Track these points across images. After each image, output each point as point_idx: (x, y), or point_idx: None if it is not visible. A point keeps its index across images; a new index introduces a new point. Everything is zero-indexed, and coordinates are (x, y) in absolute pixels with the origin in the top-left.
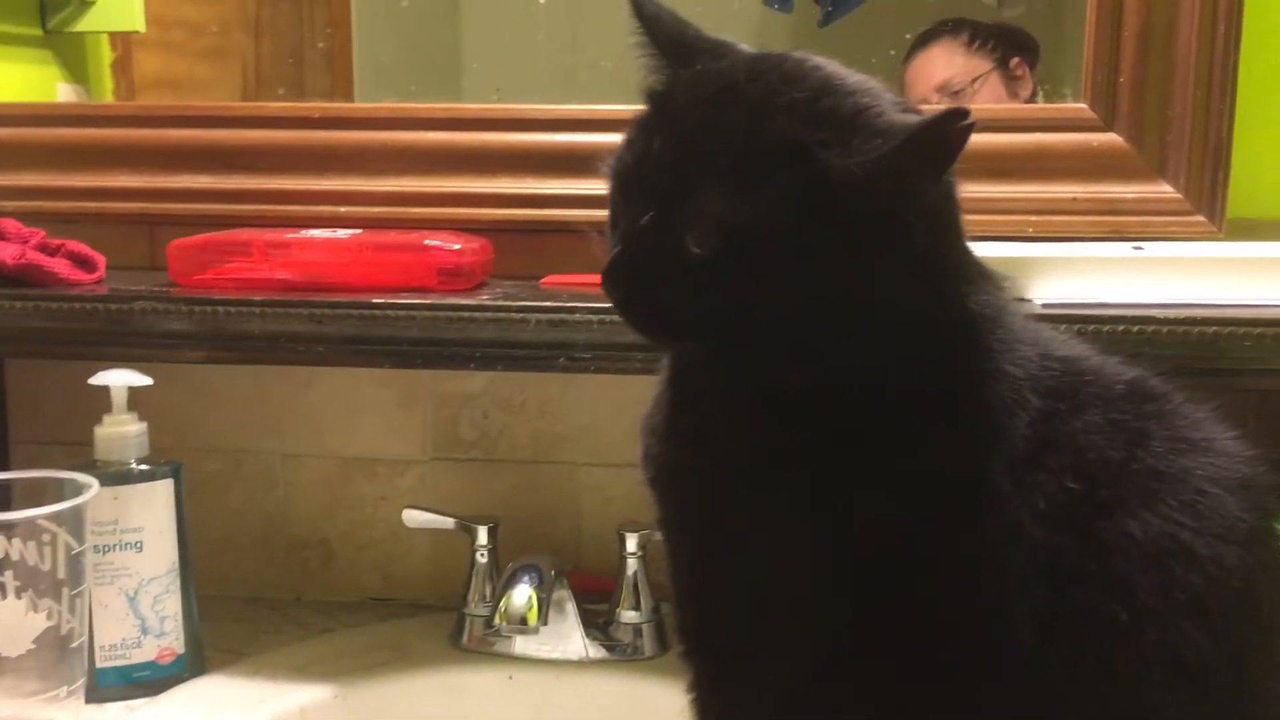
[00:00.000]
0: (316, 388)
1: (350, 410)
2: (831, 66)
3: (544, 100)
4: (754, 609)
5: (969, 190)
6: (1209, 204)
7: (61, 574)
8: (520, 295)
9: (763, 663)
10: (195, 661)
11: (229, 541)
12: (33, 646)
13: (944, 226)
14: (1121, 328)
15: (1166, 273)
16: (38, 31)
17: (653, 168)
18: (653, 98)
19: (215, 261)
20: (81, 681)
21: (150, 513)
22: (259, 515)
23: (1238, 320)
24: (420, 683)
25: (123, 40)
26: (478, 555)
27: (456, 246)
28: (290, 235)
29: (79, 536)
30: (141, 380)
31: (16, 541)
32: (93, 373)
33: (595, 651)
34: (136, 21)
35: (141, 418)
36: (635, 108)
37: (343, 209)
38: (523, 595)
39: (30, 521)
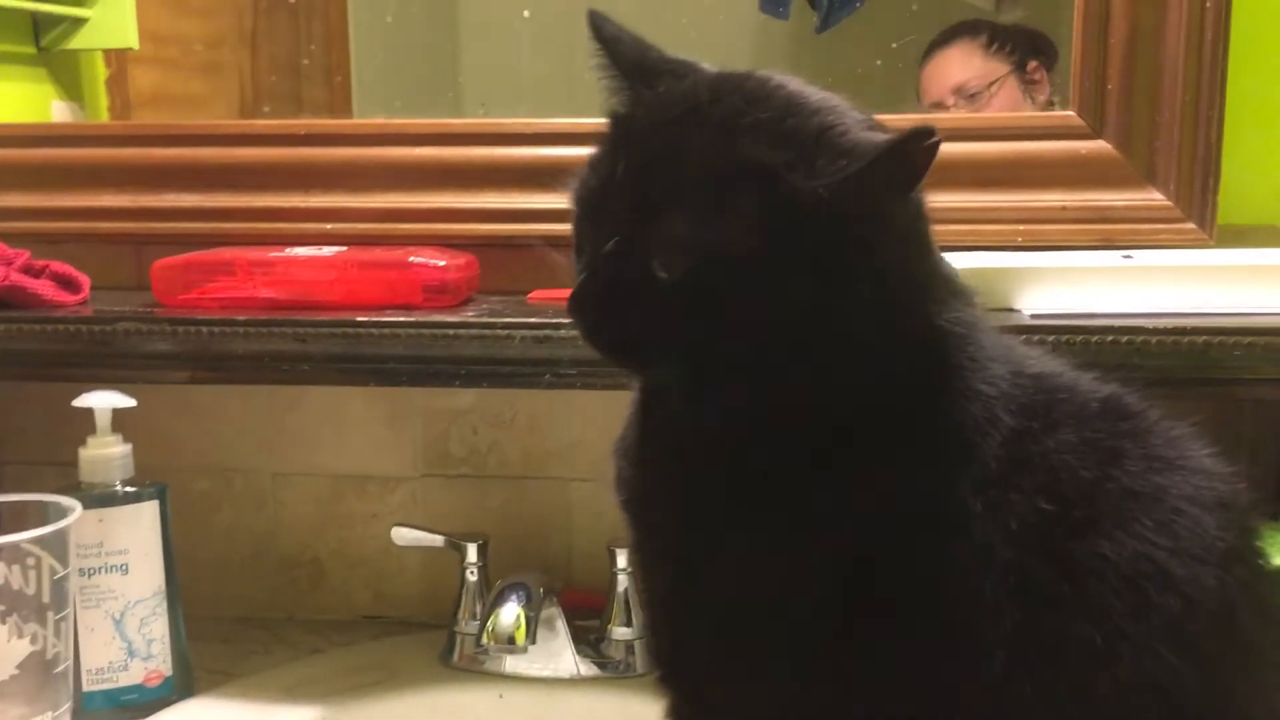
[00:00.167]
0: (305, 405)
1: (339, 427)
2: (795, 85)
3: (543, 114)
4: (726, 634)
5: (957, 200)
6: (1199, 211)
7: (46, 598)
8: (506, 311)
9: (737, 688)
10: (183, 684)
11: (219, 561)
12: (16, 672)
13: (913, 245)
14: (1110, 338)
15: (1156, 281)
16: (31, 50)
17: (617, 192)
18: (615, 120)
19: (199, 281)
20: (68, 706)
21: (135, 534)
22: (249, 534)
23: (1228, 329)
24: (410, 703)
25: (117, 57)
26: (467, 573)
27: (442, 263)
28: (274, 254)
29: (63, 560)
30: (125, 402)
31: (0, 566)
32: (81, 393)
33: (587, 669)
34: (130, 38)
35: (130, 438)
36: None
37: (329, 226)
38: (510, 614)
39: (13, 545)
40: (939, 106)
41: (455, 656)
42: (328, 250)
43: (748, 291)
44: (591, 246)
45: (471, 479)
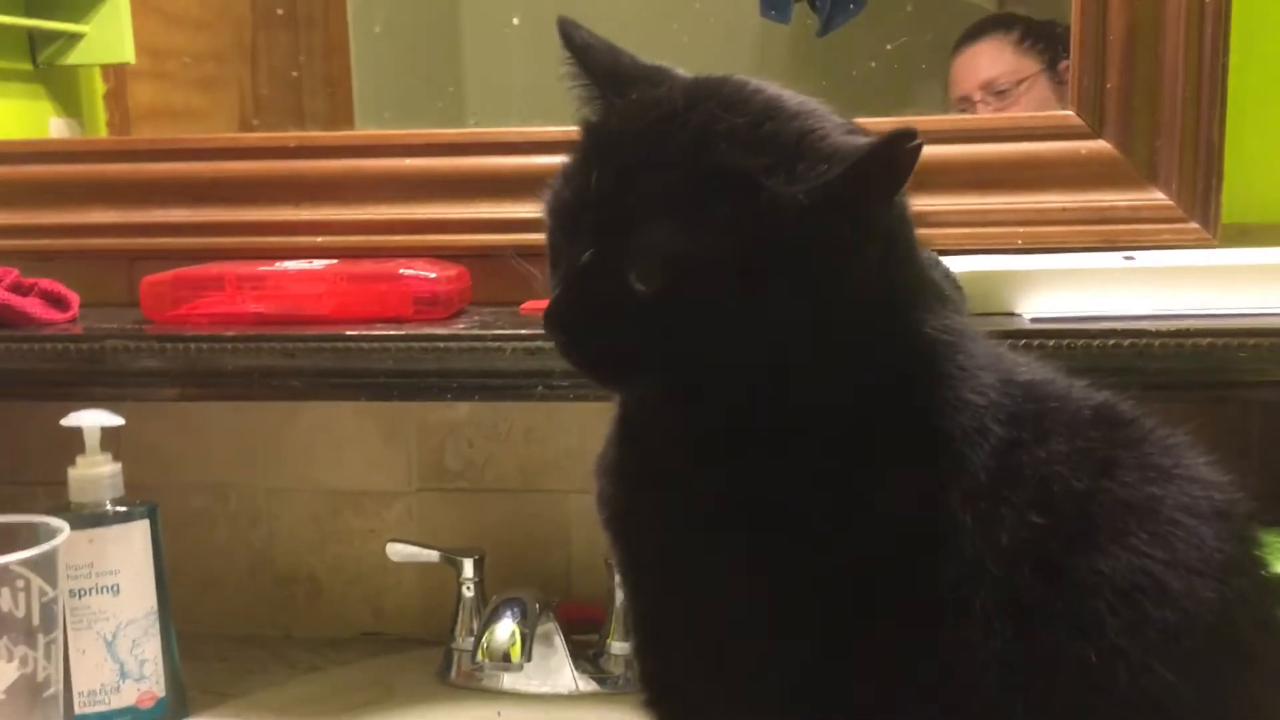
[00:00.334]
0: (300, 421)
1: (335, 442)
2: (773, 89)
3: (534, 122)
4: (713, 656)
5: (955, 203)
6: (1202, 210)
7: (35, 620)
8: (498, 323)
9: (724, 711)
10: (177, 705)
11: (215, 578)
12: (4, 696)
13: (897, 251)
14: (1113, 341)
15: (1159, 283)
16: (28, 66)
17: (592, 203)
18: (588, 129)
19: (189, 297)
20: None
21: (126, 554)
22: (245, 551)
23: (1233, 330)
24: None
25: (115, 72)
26: (464, 589)
27: (432, 275)
28: (264, 268)
29: (51, 581)
30: (113, 420)
31: None
32: (75, 409)
33: (585, 684)
34: (126, 53)
35: (125, 455)
36: None
37: (320, 239)
38: (505, 631)
39: (1, 568)
40: (966, 101)
41: (453, 674)
42: (318, 263)
43: (728, 302)
44: (566, 259)
45: (468, 492)
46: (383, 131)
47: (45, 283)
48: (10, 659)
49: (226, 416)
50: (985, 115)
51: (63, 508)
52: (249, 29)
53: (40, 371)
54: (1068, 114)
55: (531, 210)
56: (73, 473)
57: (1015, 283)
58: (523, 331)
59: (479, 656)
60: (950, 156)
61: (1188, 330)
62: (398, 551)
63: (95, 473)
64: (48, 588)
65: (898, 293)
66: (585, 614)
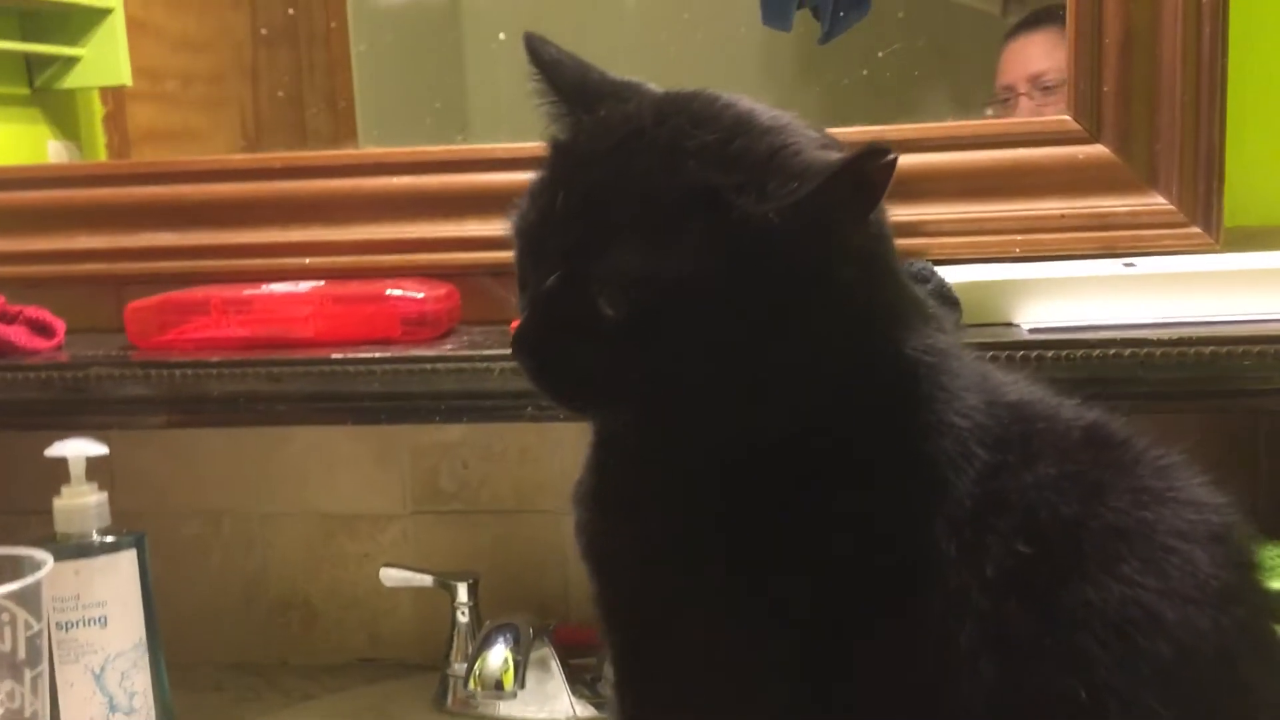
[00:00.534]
0: (292, 444)
1: (328, 466)
2: (745, 103)
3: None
4: (691, 692)
5: (951, 211)
6: (1204, 214)
7: (21, 654)
8: (486, 343)
9: None
10: None
11: (210, 606)
12: None
13: (874, 270)
14: (1113, 351)
15: (1160, 290)
16: (25, 90)
17: (558, 224)
18: (556, 148)
19: (175, 322)
20: None
21: (114, 585)
22: (239, 577)
23: (1237, 338)
24: None
25: (114, 94)
26: (458, 614)
27: (420, 295)
28: (249, 291)
29: (37, 615)
30: (98, 449)
31: None
32: (63, 437)
33: (583, 710)
34: (123, 75)
35: (116, 483)
36: None
37: (308, 260)
38: (498, 658)
39: None
40: (1010, 91)
41: (449, 700)
42: (303, 286)
43: (699, 326)
44: (534, 283)
45: (464, 514)
46: (370, 150)
47: (31, 310)
48: None
49: (218, 442)
50: (979, 121)
51: (48, 539)
52: (249, 48)
53: (26, 401)
54: (1064, 119)
55: None
56: (58, 503)
57: (1013, 292)
58: (510, 351)
59: (471, 685)
60: (945, 164)
61: (1190, 339)
62: (391, 576)
63: (81, 503)
64: (33, 621)
65: (876, 313)
66: (582, 637)
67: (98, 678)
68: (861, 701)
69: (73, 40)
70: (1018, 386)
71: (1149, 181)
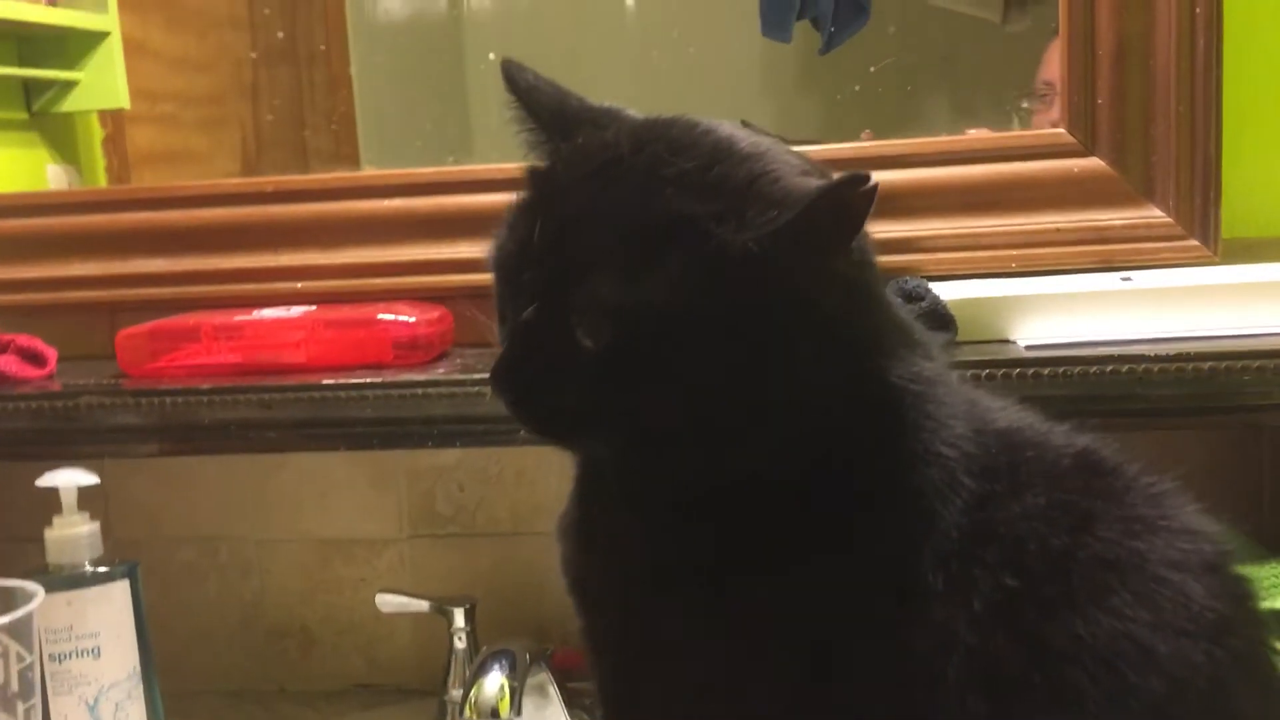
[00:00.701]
0: (288, 470)
1: (323, 491)
2: (725, 129)
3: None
4: None
5: (945, 227)
6: (1201, 226)
7: (14, 687)
8: (479, 366)
9: None
10: None
11: (207, 633)
12: None
13: (858, 297)
14: (1110, 368)
15: (1158, 304)
16: (23, 115)
17: (535, 254)
18: (533, 176)
19: (166, 349)
20: None
21: (106, 616)
22: (236, 604)
23: (1237, 353)
24: None
25: (113, 117)
26: (455, 639)
27: (411, 319)
28: (240, 317)
29: (29, 647)
30: (89, 479)
31: None
32: (56, 466)
33: None
34: (121, 99)
35: (111, 511)
36: None
37: (300, 284)
38: (494, 685)
39: None
40: (1049, 86)
41: None
42: (295, 311)
43: (679, 357)
44: (512, 315)
45: (461, 538)
46: (362, 173)
47: (22, 339)
48: None
49: (213, 468)
50: (972, 136)
51: (40, 570)
52: (249, 68)
53: (17, 430)
54: (1058, 132)
55: None
56: (49, 534)
57: (1009, 308)
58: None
59: (467, 712)
60: (939, 179)
61: (1189, 354)
62: (387, 602)
63: (72, 533)
64: (25, 653)
65: (860, 341)
66: (580, 661)
67: (92, 709)
68: None
69: (70, 64)
70: (1006, 413)
71: (1145, 194)
